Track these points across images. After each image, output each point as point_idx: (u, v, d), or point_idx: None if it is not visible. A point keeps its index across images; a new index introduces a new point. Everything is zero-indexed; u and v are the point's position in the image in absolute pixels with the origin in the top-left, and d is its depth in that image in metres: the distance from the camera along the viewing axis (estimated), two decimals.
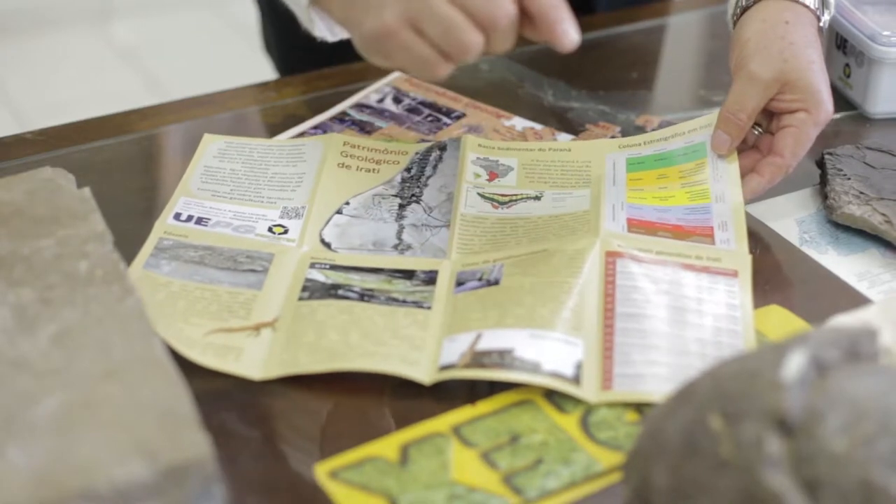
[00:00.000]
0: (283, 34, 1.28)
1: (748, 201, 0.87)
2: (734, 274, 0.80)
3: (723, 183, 0.87)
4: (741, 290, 0.79)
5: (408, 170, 0.92)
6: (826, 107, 0.86)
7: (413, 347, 0.74)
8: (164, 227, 0.84)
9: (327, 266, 0.81)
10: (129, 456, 0.58)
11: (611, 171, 0.91)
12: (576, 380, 0.72)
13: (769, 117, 0.89)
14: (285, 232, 0.85)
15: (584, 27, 1.16)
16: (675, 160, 0.90)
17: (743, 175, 0.88)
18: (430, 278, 0.80)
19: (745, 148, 0.90)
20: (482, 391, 0.72)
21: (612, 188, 0.88)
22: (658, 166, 0.90)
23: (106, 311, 0.68)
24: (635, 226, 0.84)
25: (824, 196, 0.90)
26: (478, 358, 0.72)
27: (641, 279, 0.78)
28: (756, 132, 0.91)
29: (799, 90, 0.85)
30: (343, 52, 1.25)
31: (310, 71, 1.10)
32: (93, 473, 0.57)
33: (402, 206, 0.88)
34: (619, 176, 0.90)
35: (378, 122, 1.00)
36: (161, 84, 2.59)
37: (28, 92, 2.57)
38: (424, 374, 0.72)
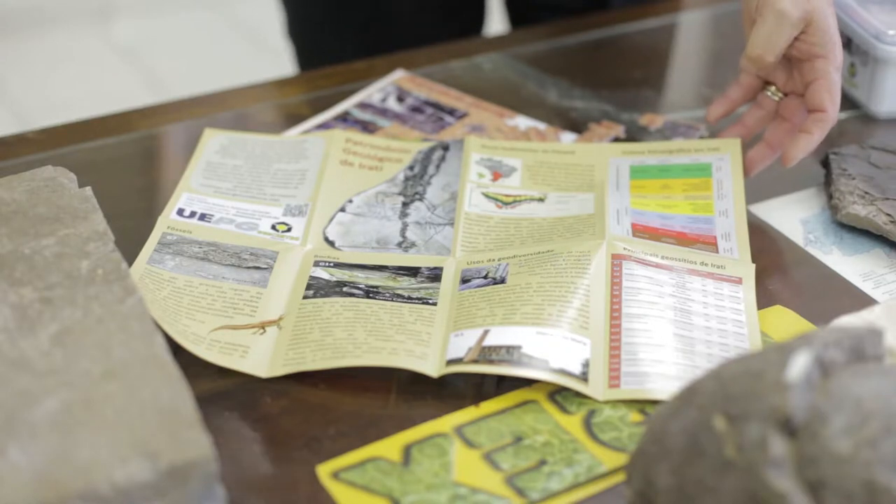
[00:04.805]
0: (303, 18, 1.29)
1: (798, 159, 0.87)
2: (738, 281, 0.80)
3: (727, 201, 0.87)
4: (746, 294, 0.79)
5: (411, 168, 0.92)
6: (839, 50, 0.87)
7: (420, 342, 0.74)
8: (167, 222, 0.84)
9: (331, 264, 0.81)
10: (130, 456, 0.58)
11: (614, 175, 0.91)
12: (583, 377, 0.72)
13: (787, 72, 0.89)
14: (289, 230, 0.85)
15: (589, 26, 1.17)
16: (679, 173, 0.90)
17: (775, 147, 0.89)
18: (435, 275, 0.80)
19: (766, 116, 0.91)
20: (487, 391, 0.72)
21: (615, 192, 0.88)
22: (662, 176, 0.90)
23: (107, 310, 0.67)
24: (640, 231, 0.84)
25: (829, 196, 0.90)
26: (485, 353, 0.72)
27: (647, 282, 0.78)
28: (775, 97, 0.91)
29: (818, 33, 0.86)
30: (363, 36, 1.26)
31: (330, 55, 1.10)
32: (94, 474, 0.57)
33: (405, 204, 0.88)
34: (622, 181, 0.90)
35: (381, 122, 1.00)
36: (162, 83, 2.59)
37: (29, 91, 2.57)
38: (432, 368, 0.72)
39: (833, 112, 0.86)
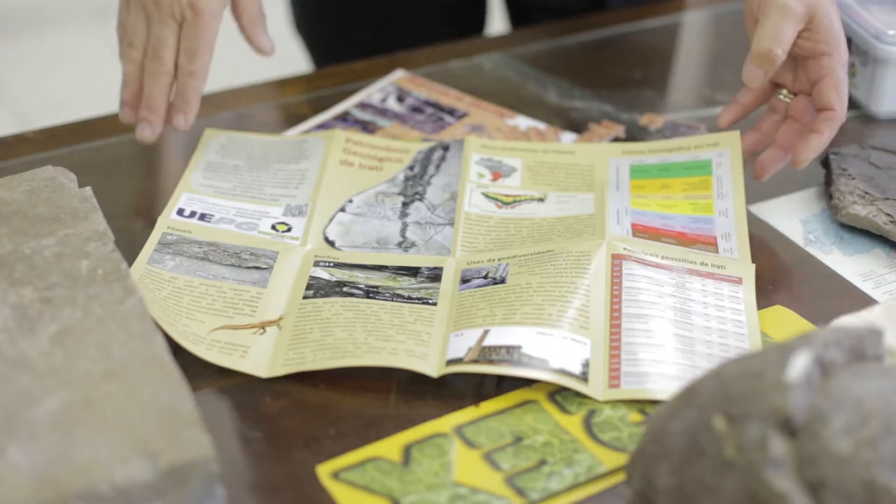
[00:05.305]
0: (312, 11, 1.30)
1: (810, 160, 0.86)
2: (738, 281, 0.80)
3: (727, 200, 0.87)
4: (746, 294, 0.79)
5: (410, 168, 0.92)
6: (844, 47, 0.86)
7: (419, 342, 0.74)
8: (167, 222, 0.84)
9: (331, 264, 0.81)
10: (130, 456, 0.58)
11: (614, 176, 0.91)
12: (583, 377, 0.72)
13: (793, 72, 0.89)
14: (289, 230, 0.85)
15: (589, 26, 1.17)
16: (679, 172, 0.90)
17: (787, 148, 0.89)
18: (435, 275, 0.80)
19: (781, 120, 0.90)
20: (487, 391, 0.72)
21: (615, 193, 0.88)
22: (662, 176, 0.90)
23: (107, 310, 0.67)
24: (640, 231, 0.84)
25: (829, 196, 0.90)
26: (485, 353, 0.72)
27: (647, 282, 0.78)
28: (787, 99, 0.90)
29: (822, 30, 0.85)
30: (366, 39, 1.26)
31: (338, 49, 1.09)
32: (94, 474, 0.57)
33: (405, 204, 0.88)
34: (622, 181, 0.90)
35: (381, 122, 1.00)
36: None
37: (29, 91, 2.57)
38: (432, 368, 0.72)
39: (841, 110, 0.86)
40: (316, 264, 0.81)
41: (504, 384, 0.73)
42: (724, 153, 0.90)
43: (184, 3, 0.89)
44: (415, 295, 0.78)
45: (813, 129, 0.87)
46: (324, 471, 0.67)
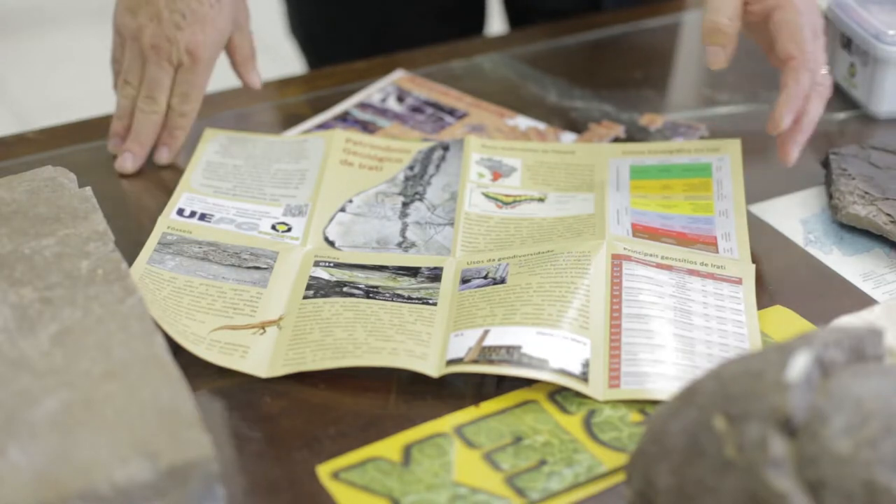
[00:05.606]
0: (309, 13, 1.30)
1: (786, 119, 0.83)
2: (738, 281, 0.80)
3: (727, 201, 0.87)
4: (746, 294, 0.79)
5: (410, 168, 0.92)
6: None
7: (420, 342, 0.74)
8: (167, 222, 0.84)
9: (331, 264, 0.81)
10: (130, 456, 0.58)
11: (614, 176, 0.91)
12: (583, 377, 0.72)
13: (770, 45, 0.87)
14: (289, 230, 0.85)
15: (589, 26, 1.17)
16: (679, 173, 0.90)
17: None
18: (435, 275, 0.80)
19: None
20: (487, 391, 0.72)
21: (615, 193, 0.88)
22: (662, 177, 0.90)
23: (107, 310, 0.68)
24: (640, 231, 0.84)
25: (829, 196, 0.90)
26: (485, 353, 0.72)
27: (647, 282, 0.78)
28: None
29: None
30: (365, 41, 1.27)
31: (337, 49, 1.09)
32: (94, 474, 0.57)
33: (405, 205, 0.88)
34: (622, 181, 0.90)
35: (381, 122, 1.00)
36: None
37: (29, 91, 2.57)
38: (432, 368, 0.72)
39: (802, 56, 0.83)
40: (316, 264, 0.81)
41: (504, 384, 0.73)
42: (725, 158, 0.91)
43: (182, 49, 0.91)
44: (415, 295, 0.78)
45: (782, 85, 0.84)
46: (324, 471, 0.67)
